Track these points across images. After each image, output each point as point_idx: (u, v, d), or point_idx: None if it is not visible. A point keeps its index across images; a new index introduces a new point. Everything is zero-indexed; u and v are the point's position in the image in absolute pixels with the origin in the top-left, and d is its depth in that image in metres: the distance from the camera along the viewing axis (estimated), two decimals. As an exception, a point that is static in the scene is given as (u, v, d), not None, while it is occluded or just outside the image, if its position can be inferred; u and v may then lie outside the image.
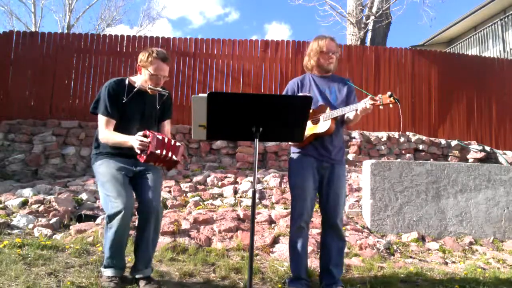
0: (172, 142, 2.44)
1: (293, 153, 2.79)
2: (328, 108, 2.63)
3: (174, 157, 2.41)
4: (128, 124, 2.55)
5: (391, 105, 2.38)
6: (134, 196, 2.53)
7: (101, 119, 2.52)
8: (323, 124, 2.62)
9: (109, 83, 2.56)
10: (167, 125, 2.79)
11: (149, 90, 2.55)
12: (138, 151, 2.34)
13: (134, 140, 2.36)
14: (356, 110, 2.51)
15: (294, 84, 2.81)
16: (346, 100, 2.73)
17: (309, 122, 2.65)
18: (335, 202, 2.65)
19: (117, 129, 2.51)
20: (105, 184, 2.43)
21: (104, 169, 2.48)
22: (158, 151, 2.32)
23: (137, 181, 2.56)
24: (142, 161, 2.37)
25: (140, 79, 2.59)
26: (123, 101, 2.53)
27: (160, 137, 2.37)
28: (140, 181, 2.55)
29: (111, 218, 2.34)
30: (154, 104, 2.65)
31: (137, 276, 2.51)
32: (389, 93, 2.39)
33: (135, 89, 2.58)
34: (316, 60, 2.74)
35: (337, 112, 2.58)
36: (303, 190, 2.64)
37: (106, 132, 2.50)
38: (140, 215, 2.54)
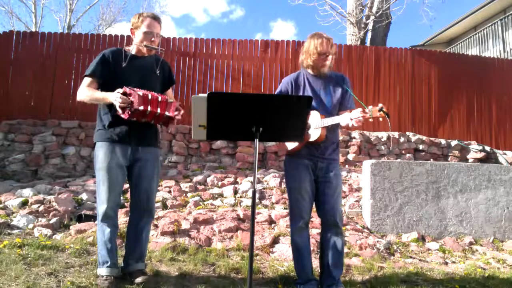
0: (160, 98, 2.42)
1: (286, 156, 2.77)
2: (319, 115, 2.58)
3: (166, 113, 2.42)
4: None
5: (380, 119, 2.33)
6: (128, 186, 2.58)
7: (84, 79, 2.52)
8: (314, 132, 2.59)
9: (106, 50, 2.57)
10: (170, 92, 2.80)
11: (145, 48, 2.55)
12: (120, 110, 2.32)
13: (113, 97, 2.33)
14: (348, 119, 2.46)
15: (288, 84, 2.73)
16: (341, 101, 2.70)
17: None
18: (334, 201, 2.62)
19: None
20: (99, 172, 2.46)
21: (102, 155, 2.46)
22: (142, 107, 2.31)
23: (132, 175, 2.56)
24: (126, 118, 2.34)
25: (134, 43, 2.59)
26: (122, 66, 2.51)
27: (141, 93, 2.34)
28: (135, 175, 2.55)
29: (98, 211, 2.47)
30: (153, 69, 2.64)
31: (129, 271, 2.54)
32: (380, 105, 2.31)
33: (133, 52, 2.59)
34: (312, 60, 2.66)
35: (327, 122, 2.53)
36: (300, 192, 2.62)
37: (85, 89, 2.48)
38: (132, 210, 2.60)
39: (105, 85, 2.49)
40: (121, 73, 2.50)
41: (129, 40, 7.24)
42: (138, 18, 2.57)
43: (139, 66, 2.57)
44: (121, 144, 2.48)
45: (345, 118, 2.45)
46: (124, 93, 2.33)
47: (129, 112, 2.31)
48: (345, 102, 2.71)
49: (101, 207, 2.45)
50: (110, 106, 2.46)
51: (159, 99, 2.42)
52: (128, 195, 4.62)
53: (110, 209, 2.44)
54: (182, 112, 2.56)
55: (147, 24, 2.54)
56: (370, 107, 2.34)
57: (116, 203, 2.50)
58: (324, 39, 2.64)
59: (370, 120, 2.36)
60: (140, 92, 2.35)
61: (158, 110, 2.39)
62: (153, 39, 2.55)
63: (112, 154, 2.45)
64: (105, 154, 2.45)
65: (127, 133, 2.48)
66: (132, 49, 2.62)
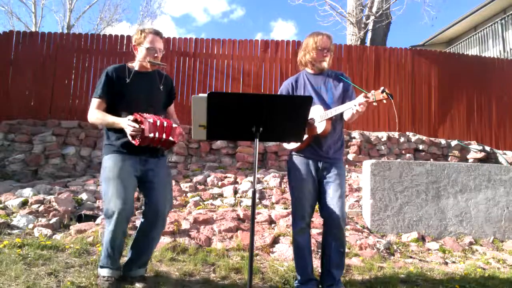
0: (166, 123, 2.46)
1: (290, 155, 2.77)
2: (323, 109, 2.60)
3: (170, 138, 2.46)
4: (133, 106, 2.50)
5: (384, 101, 2.33)
6: (141, 196, 2.52)
7: (93, 101, 2.54)
8: (319, 125, 2.59)
9: (109, 68, 2.58)
10: (172, 107, 2.84)
11: (148, 64, 2.58)
12: (130, 137, 2.37)
13: (125, 125, 2.37)
14: (352, 109, 2.48)
15: (289, 85, 2.77)
16: (343, 96, 2.69)
17: None
18: (337, 202, 2.59)
19: (123, 111, 2.48)
20: (108, 181, 2.42)
21: (111, 164, 2.46)
22: (152, 135, 2.36)
23: (146, 184, 2.54)
24: (136, 145, 2.39)
25: (138, 59, 2.61)
26: (126, 82, 2.53)
27: (151, 120, 2.38)
28: (148, 184, 2.53)
29: (107, 216, 2.38)
30: (156, 84, 2.66)
31: (131, 275, 2.53)
32: (381, 88, 2.33)
33: (136, 68, 2.61)
34: (310, 56, 2.70)
35: (331, 112, 2.54)
36: (303, 192, 2.62)
37: (96, 112, 2.52)
38: (146, 218, 2.53)
39: (111, 103, 2.52)
40: (125, 90, 2.52)
41: (129, 41, 7.25)
42: (141, 34, 2.59)
43: (143, 82, 2.60)
44: (130, 155, 2.49)
45: (349, 105, 2.47)
46: (135, 120, 2.36)
47: (140, 139, 2.36)
48: (347, 97, 2.69)
49: (112, 208, 2.33)
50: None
51: (165, 124, 2.45)
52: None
53: (122, 214, 2.33)
54: (183, 138, 2.59)
55: (149, 40, 2.56)
56: (373, 91, 2.36)
57: (129, 210, 2.39)
58: (324, 35, 2.68)
59: (374, 104, 2.38)
60: (151, 119, 2.38)
61: (164, 136, 2.43)
62: (156, 54, 2.58)
63: (121, 163, 2.45)
64: (115, 163, 2.45)
65: (135, 145, 2.47)
66: (136, 65, 2.64)
